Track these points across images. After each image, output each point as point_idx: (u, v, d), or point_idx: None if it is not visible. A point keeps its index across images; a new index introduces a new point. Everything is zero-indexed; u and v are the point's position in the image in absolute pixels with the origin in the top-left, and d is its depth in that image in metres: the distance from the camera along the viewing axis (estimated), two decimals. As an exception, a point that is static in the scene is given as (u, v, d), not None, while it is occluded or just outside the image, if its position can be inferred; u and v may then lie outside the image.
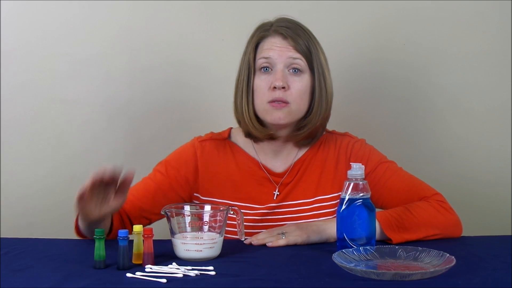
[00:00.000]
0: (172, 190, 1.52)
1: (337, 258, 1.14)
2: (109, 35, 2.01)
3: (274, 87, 1.46)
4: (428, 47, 2.03)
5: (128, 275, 1.09)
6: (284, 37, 1.48)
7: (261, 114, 1.50)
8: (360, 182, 1.27)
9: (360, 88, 2.06)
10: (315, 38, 1.52)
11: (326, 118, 1.54)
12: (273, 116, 1.47)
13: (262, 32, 1.51)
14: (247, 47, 1.53)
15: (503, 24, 2.02)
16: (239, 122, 1.55)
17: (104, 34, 2.00)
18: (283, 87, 1.45)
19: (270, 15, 1.55)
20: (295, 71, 1.48)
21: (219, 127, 1.63)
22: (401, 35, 2.04)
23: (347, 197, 1.26)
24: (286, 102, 1.47)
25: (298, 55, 1.47)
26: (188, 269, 1.12)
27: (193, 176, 1.54)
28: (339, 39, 2.01)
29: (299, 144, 1.56)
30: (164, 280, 1.06)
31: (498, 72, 2.04)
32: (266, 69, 1.49)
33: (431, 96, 2.05)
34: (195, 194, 1.55)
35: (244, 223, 1.33)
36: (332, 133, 1.62)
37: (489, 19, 2.02)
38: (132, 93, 2.03)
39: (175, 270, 1.12)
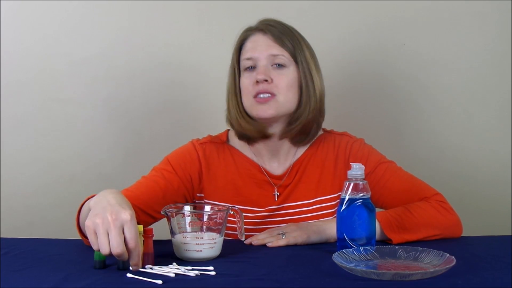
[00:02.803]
0: (181, 188, 1.51)
1: (337, 258, 1.14)
2: (108, 35, 2.01)
3: (257, 81, 1.46)
4: (428, 47, 2.03)
5: (128, 275, 1.09)
6: (265, 33, 1.49)
7: (249, 111, 1.50)
8: (360, 182, 1.26)
9: (359, 88, 2.06)
10: (300, 36, 1.52)
11: (318, 113, 1.53)
12: (259, 110, 1.47)
13: (245, 32, 1.53)
14: (233, 49, 1.55)
15: (503, 24, 2.02)
16: (232, 125, 1.54)
17: (104, 34, 2.01)
18: (266, 80, 1.46)
19: (270, 15, 1.55)
20: (278, 66, 1.48)
21: (219, 127, 1.63)
22: (400, 35, 2.04)
23: (347, 197, 1.26)
24: (271, 94, 1.46)
25: (280, 51, 1.48)
26: (188, 269, 1.12)
27: (198, 176, 1.53)
28: (338, 39, 2.01)
29: (294, 142, 1.55)
30: (163, 281, 1.06)
31: (498, 72, 2.03)
32: (251, 68, 1.50)
33: (430, 96, 2.05)
34: (198, 194, 1.55)
35: (245, 226, 1.33)
36: (331, 132, 1.61)
37: (489, 19, 2.02)
38: (132, 93, 2.03)
39: (175, 270, 1.12)
